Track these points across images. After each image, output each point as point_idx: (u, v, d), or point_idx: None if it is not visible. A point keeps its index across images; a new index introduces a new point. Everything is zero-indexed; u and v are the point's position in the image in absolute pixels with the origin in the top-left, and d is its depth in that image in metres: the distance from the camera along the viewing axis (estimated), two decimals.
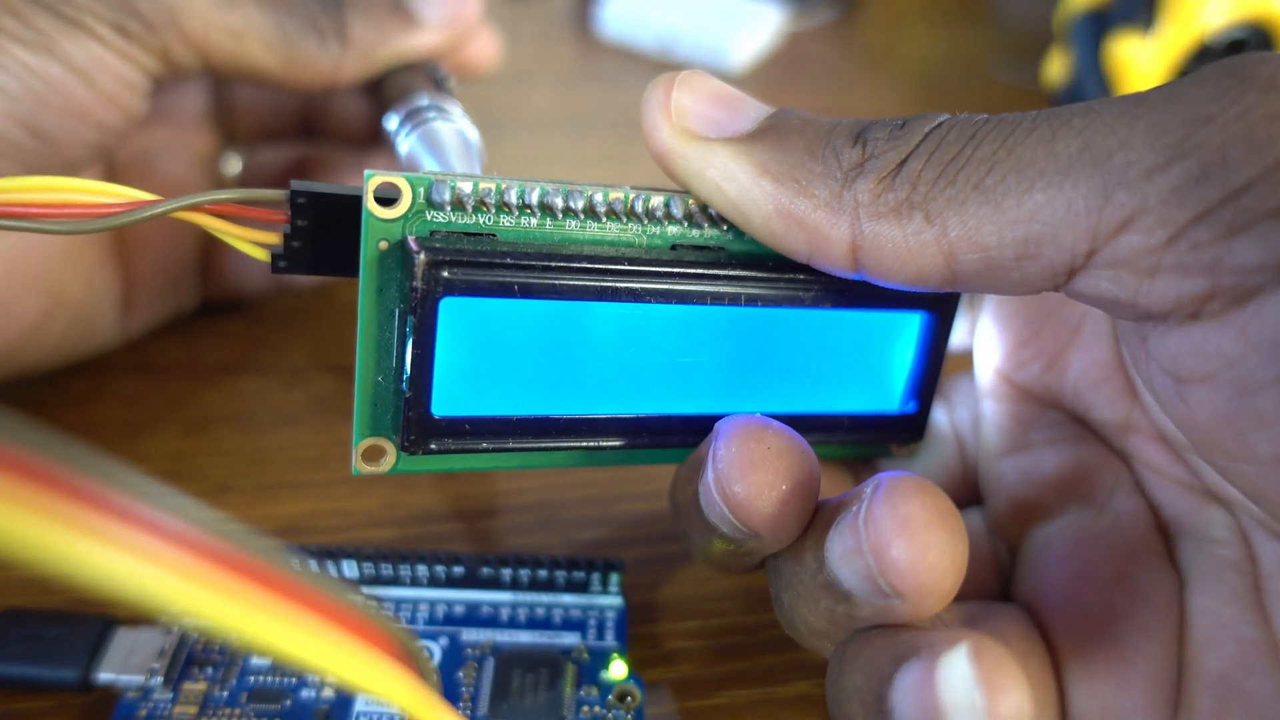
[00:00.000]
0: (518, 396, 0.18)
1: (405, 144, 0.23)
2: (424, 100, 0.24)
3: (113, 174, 0.26)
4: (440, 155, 0.22)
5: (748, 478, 0.16)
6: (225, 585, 0.10)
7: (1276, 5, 0.40)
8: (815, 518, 0.17)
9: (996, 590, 0.20)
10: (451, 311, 0.16)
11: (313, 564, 0.21)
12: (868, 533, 0.15)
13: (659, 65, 0.49)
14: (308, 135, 0.30)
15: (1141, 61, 0.41)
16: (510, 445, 0.18)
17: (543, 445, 0.18)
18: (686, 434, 0.19)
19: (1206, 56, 0.41)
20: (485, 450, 0.17)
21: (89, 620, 0.20)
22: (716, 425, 0.17)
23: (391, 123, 0.24)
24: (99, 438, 0.25)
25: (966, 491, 0.22)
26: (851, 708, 0.15)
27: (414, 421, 0.17)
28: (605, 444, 0.18)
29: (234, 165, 0.30)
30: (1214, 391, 0.14)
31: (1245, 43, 0.41)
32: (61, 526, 0.09)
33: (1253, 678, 0.16)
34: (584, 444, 0.18)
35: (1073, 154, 0.14)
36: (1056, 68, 0.46)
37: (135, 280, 0.27)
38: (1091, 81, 0.43)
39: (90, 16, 0.21)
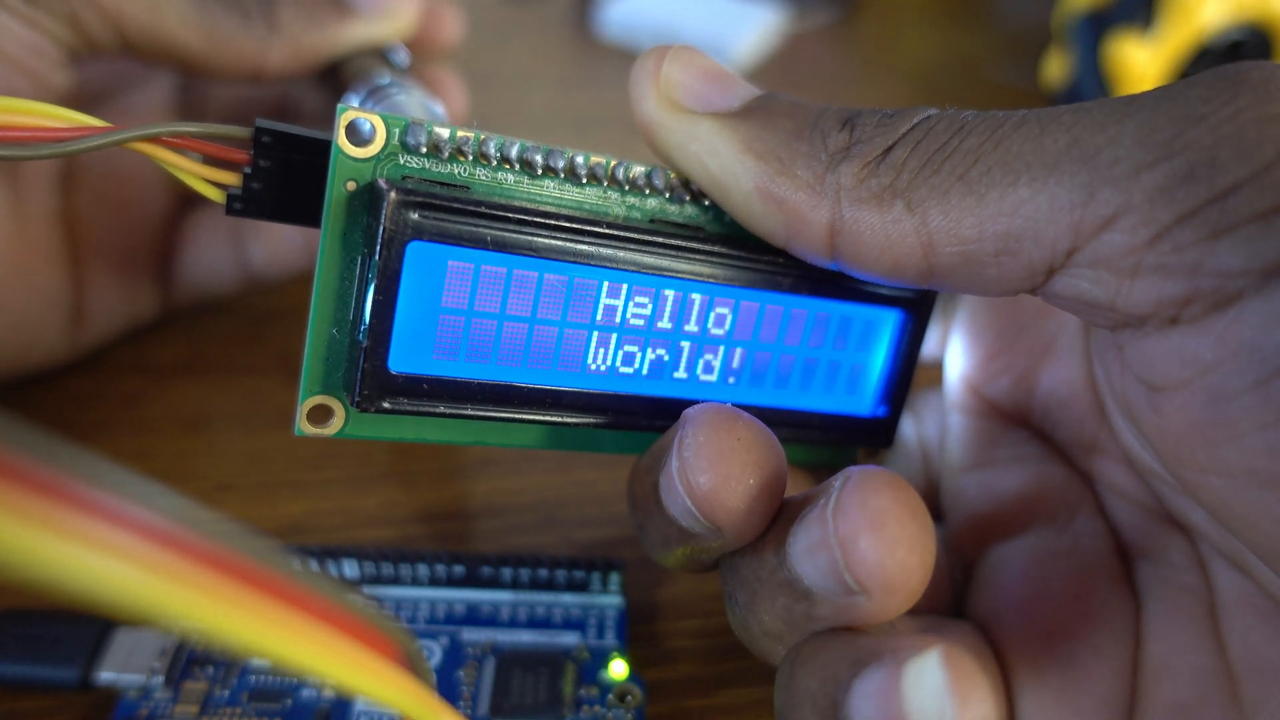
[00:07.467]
0: (479, 361, 0.17)
1: None
2: (385, 79, 0.23)
3: (71, 175, 0.25)
4: None
5: (714, 468, 0.15)
6: (217, 588, 0.10)
7: (1276, 6, 0.40)
8: (778, 515, 0.16)
9: (950, 607, 0.19)
10: (418, 258, 0.16)
11: (313, 563, 0.21)
12: (836, 524, 0.14)
13: None
14: None
15: (1141, 62, 0.41)
16: (468, 411, 0.17)
17: (502, 414, 0.17)
18: (653, 416, 0.18)
19: (1206, 58, 0.41)
20: (441, 414, 0.16)
21: (89, 620, 0.20)
22: (685, 413, 0.16)
23: (352, 103, 0.23)
24: (99, 438, 0.25)
25: (928, 506, 0.22)
26: (803, 713, 0.15)
27: (369, 375, 0.16)
28: (568, 419, 0.17)
29: None
30: (1188, 399, 0.14)
31: (1245, 44, 0.41)
32: (44, 530, 0.08)
33: (1206, 708, 0.16)
34: (545, 418, 0.17)
35: (1060, 149, 0.14)
36: (1055, 69, 0.46)
37: (87, 286, 0.25)
38: (1090, 82, 0.43)
39: None
